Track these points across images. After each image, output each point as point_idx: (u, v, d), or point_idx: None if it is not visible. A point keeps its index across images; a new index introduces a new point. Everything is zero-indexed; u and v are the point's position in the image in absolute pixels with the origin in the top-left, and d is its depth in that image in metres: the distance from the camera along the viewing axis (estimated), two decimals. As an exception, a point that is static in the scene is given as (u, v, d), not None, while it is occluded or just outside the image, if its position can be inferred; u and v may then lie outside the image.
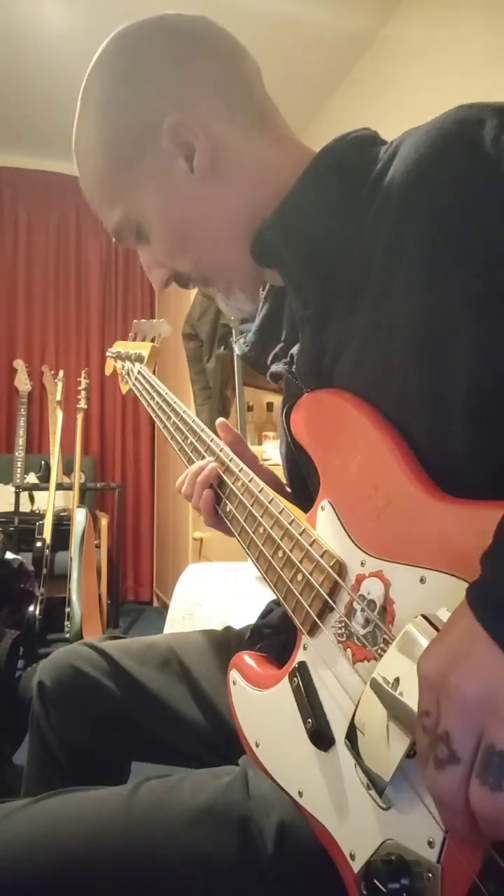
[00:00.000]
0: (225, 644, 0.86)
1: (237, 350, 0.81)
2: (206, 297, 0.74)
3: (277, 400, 3.01)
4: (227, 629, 0.91)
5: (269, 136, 0.67)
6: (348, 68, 2.91)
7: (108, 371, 1.23)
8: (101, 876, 0.53)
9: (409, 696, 0.42)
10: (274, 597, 0.86)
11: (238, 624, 0.91)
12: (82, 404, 3.12)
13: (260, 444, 2.79)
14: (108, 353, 1.20)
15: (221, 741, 0.75)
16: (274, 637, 0.75)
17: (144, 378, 1.02)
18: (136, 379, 1.04)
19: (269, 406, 3.01)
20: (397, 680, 0.44)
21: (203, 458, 0.79)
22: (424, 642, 0.42)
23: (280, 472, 0.80)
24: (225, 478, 0.73)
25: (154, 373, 1.05)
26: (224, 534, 0.79)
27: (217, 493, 0.75)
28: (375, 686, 0.45)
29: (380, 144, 0.62)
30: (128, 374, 1.09)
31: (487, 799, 0.36)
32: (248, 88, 0.67)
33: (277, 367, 0.71)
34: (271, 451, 2.56)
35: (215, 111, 0.64)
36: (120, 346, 1.17)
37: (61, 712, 0.83)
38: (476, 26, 2.10)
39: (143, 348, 1.08)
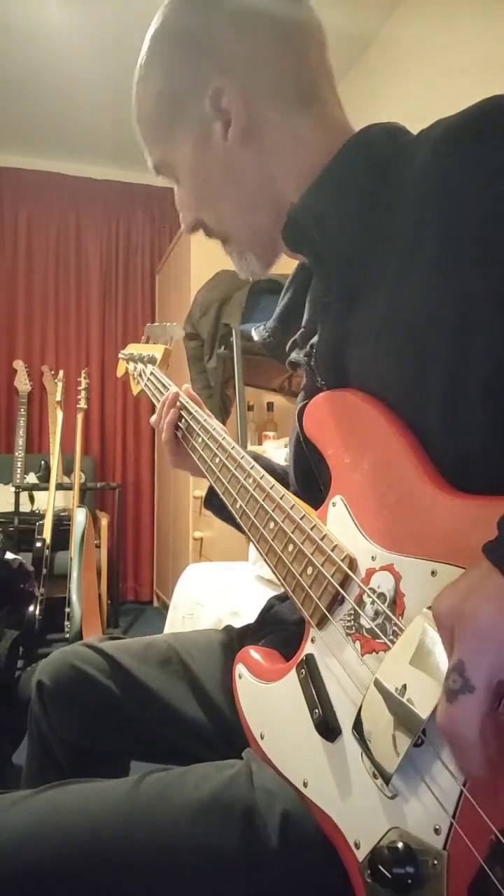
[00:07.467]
0: (225, 643, 0.86)
1: (256, 337, 0.81)
2: (226, 251, 0.77)
3: (278, 400, 3.01)
4: (227, 628, 0.91)
5: (311, 114, 0.67)
6: (346, 69, 2.92)
7: (119, 373, 1.25)
8: (104, 865, 0.53)
9: (412, 694, 0.42)
10: (275, 593, 0.87)
11: (238, 623, 0.91)
12: (82, 404, 3.12)
13: (260, 443, 2.78)
14: (120, 355, 1.23)
15: (222, 740, 0.75)
16: (276, 632, 0.75)
17: (157, 378, 1.04)
18: (149, 379, 1.07)
19: (270, 406, 3.01)
20: (405, 687, 0.44)
21: (212, 453, 0.80)
22: (431, 631, 0.42)
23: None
24: (236, 473, 0.74)
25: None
26: (191, 474, 0.89)
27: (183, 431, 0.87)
28: (378, 685, 0.45)
29: (408, 135, 0.63)
30: (140, 375, 1.12)
31: None
32: (301, 66, 0.67)
33: (297, 357, 0.72)
34: (272, 451, 2.56)
35: (261, 86, 0.65)
36: (132, 349, 1.19)
37: (60, 712, 0.83)
38: (474, 27, 2.11)
39: (156, 350, 1.11)
